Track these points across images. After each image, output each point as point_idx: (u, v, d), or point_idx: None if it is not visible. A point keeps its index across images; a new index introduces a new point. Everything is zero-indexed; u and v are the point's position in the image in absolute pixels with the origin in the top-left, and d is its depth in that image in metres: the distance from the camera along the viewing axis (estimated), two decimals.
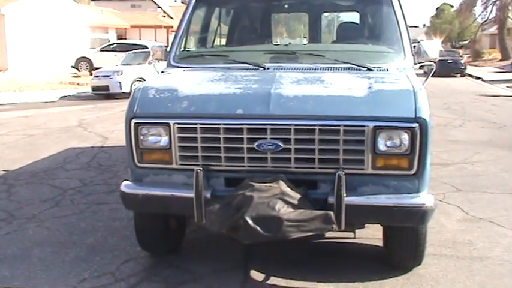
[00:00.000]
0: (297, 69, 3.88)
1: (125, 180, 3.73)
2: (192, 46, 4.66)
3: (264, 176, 3.33)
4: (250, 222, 3.14)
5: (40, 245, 4.40)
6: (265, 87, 3.45)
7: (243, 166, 3.40)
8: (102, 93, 17.65)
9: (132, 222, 4.77)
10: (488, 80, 25.30)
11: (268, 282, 3.73)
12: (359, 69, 3.85)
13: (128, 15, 40.56)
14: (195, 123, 3.37)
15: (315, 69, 3.87)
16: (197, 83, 3.66)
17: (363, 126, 3.20)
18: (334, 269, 3.89)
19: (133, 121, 3.48)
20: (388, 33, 4.21)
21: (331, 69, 3.87)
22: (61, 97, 18.16)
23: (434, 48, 4.26)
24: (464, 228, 4.67)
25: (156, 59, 5.03)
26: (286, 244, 3.42)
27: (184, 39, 4.49)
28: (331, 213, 3.18)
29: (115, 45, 27.80)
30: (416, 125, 3.16)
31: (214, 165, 3.42)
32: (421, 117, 3.16)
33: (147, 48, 23.11)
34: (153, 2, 50.97)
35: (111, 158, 7.78)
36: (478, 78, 27.39)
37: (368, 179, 3.31)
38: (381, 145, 3.23)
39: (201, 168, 3.33)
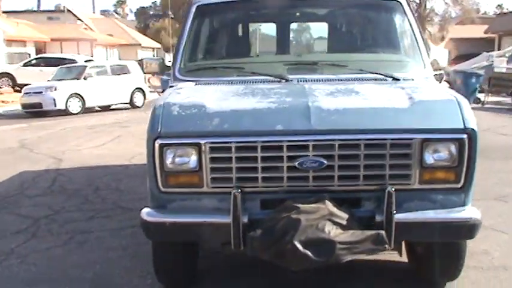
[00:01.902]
0: (322, 80, 3.69)
1: (145, 207, 3.36)
2: (196, 58, 4.34)
3: (306, 196, 3.10)
4: (299, 247, 2.91)
5: (33, 285, 3.92)
6: (301, 101, 3.22)
7: (282, 186, 3.15)
8: (34, 111, 16.63)
9: (128, 251, 4.51)
10: None
11: None
12: (384, 79, 3.72)
13: (46, 28, 38.72)
14: (230, 142, 3.09)
15: (341, 80, 3.69)
16: (222, 97, 3.37)
17: (411, 139, 3.05)
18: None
19: (158, 142, 3.13)
20: (405, 42, 4.12)
21: (357, 80, 3.70)
22: None
23: (443, 57, 4.21)
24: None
25: (149, 72, 4.69)
26: None
27: (188, 51, 4.18)
28: (383, 232, 3.00)
29: (39, 59, 26.45)
30: (465, 136, 3.05)
31: (250, 187, 3.14)
32: (469, 128, 3.05)
33: (76, 62, 22.35)
34: (72, 14, 49.14)
35: (73, 181, 7.22)
36: None
37: (414, 195, 3.16)
38: (429, 158, 3.09)
39: (239, 191, 3.05)
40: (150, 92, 20.52)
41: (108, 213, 5.62)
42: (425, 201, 3.17)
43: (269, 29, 5.01)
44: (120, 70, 18.78)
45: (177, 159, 3.16)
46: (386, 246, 3.01)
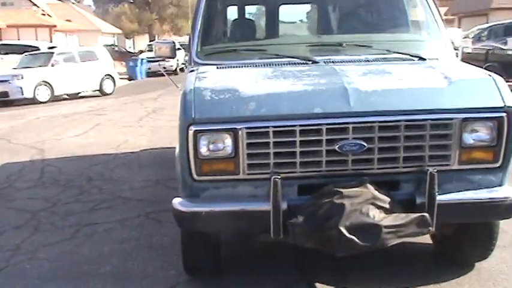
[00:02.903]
0: (350, 61, 3.59)
1: (175, 197, 3.22)
2: (213, 42, 4.17)
3: (347, 180, 3.02)
4: (345, 232, 2.86)
5: (50, 281, 3.74)
6: (337, 82, 3.12)
7: (320, 171, 3.06)
8: (0, 100, 16.01)
9: (142, 242, 4.37)
10: None
11: None
12: (411, 59, 3.66)
13: (1, 14, 37.25)
14: (268, 127, 2.97)
15: (368, 61, 3.61)
16: (253, 81, 3.23)
17: (452, 119, 3.00)
18: (395, 274, 3.67)
19: (192, 128, 2.99)
20: (426, 22, 4.06)
21: (384, 60, 3.62)
22: None
23: (457, 36, 4.19)
24: None
25: (159, 56, 4.50)
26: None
27: (203, 34, 4.02)
28: (427, 215, 2.97)
29: None
30: (504, 114, 3.02)
31: (287, 172, 3.04)
32: (509, 106, 3.02)
33: (39, 49, 21.61)
34: None
35: (63, 171, 6.96)
36: None
37: (453, 175, 3.12)
38: (468, 138, 3.05)
39: (279, 177, 2.95)
40: (120, 78, 20.15)
41: (109, 204, 5.44)
42: (464, 181, 3.15)
43: (287, 10, 4.85)
44: (89, 56, 18.24)
45: (211, 146, 3.04)
46: (431, 228, 2.98)
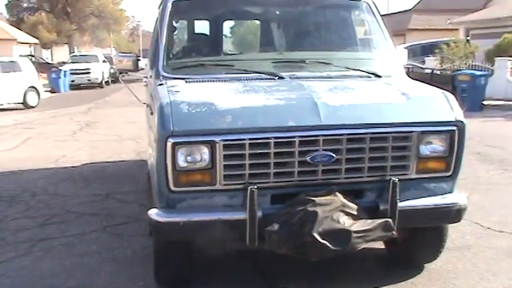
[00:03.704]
0: (314, 77, 3.82)
1: (151, 208, 3.30)
2: (179, 56, 4.28)
3: (318, 189, 3.24)
4: (318, 238, 3.07)
5: None
6: (307, 97, 3.35)
7: (292, 181, 3.27)
8: None
9: (104, 256, 4.40)
10: None
11: None
12: (368, 76, 3.94)
13: None
14: (244, 139, 3.14)
15: (330, 77, 3.86)
16: (226, 94, 3.39)
17: (411, 132, 3.30)
18: (347, 278, 3.93)
19: (170, 140, 3.09)
20: (378, 41, 4.37)
21: (344, 77, 3.88)
22: None
23: (404, 55, 4.57)
24: None
25: (121, 69, 4.53)
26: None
27: (169, 48, 4.12)
28: (390, 220, 3.24)
29: None
30: (455, 128, 3.36)
31: (262, 182, 3.21)
32: (460, 121, 3.37)
33: None
34: None
35: (2, 187, 6.72)
36: None
37: (411, 184, 3.42)
38: (424, 149, 3.36)
39: (256, 187, 3.12)
40: (45, 91, 19.47)
41: (61, 219, 5.36)
42: (420, 189, 3.46)
43: (250, 26, 5.04)
44: (10, 67, 17.50)
45: (189, 158, 3.16)
46: (394, 233, 3.25)
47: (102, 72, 28.41)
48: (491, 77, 15.71)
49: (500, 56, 17.52)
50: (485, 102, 14.82)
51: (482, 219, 5.05)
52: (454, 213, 3.51)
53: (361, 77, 3.95)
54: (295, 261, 3.59)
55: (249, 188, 3.12)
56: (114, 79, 32.60)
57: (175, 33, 4.32)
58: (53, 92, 23.57)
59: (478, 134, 9.46)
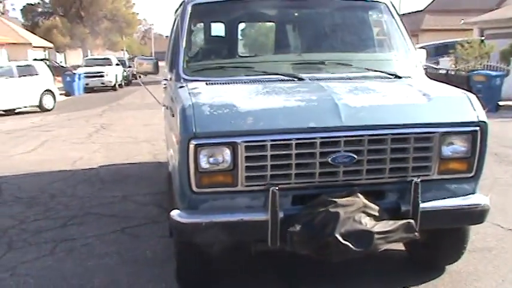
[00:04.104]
0: (333, 79, 3.83)
1: (172, 209, 3.33)
2: (199, 58, 4.31)
3: (339, 191, 3.25)
4: (340, 239, 3.06)
5: None
6: (327, 98, 3.35)
7: (313, 182, 3.27)
8: None
9: (125, 257, 4.43)
10: None
11: None
12: (388, 77, 3.94)
13: None
14: (265, 140, 3.15)
15: (349, 78, 3.86)
16: (247, 96, 3.41)
17: (433, 132, 3.29)
18: (367, 279, 3.93)
19: (193, 142, 3.12)
20: (398, 42, 4.36)
21: (364, 78, 3.89)
22: None
23: (423, 56, 4.56)
24: None
25: (140, 72, 4.57)
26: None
27: (189, 51, 4.15)
28: (412, 221, 3.23)
29: None
30: (478, 128, 3.34)
31: (283, 183, 3.22)
32: (482, 121, 3.35)
33: None
34: None
35: (22, 189, 6.84)
36: None
37: (432, 185, 3.40)
38: (446, 150, 3.35)
39: (277, 188, 3.13)
40: (60, 94, 19.63)
41: (80, 220, 5.42)
42: (442, 190, 3.44)
43: (267, 28, 5.06)
44: (27, 71, 17.69)
45: (211, 159, 3.17)
46: (417, 234, 3.24)
47: (116, 75, 28.59)
48: (506, 77, 15.58)
49: None
50: (501, 103, 14.70)
51: (503, 221, 5.02)
52: (477, 215, 3.49)
53: (381, 78, 3.95)
54: (315, 263, 3.62)
55: (270, 189, 3.13)
56: (128, 82, 32.94)
57: (192, 36, 4.34)
58: (67, 95, 23.78)
59: (494, 135, 9.31)
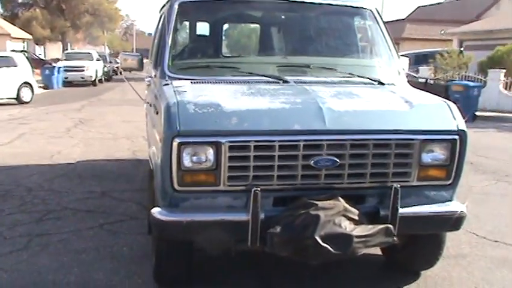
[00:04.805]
0: (318, 82, 3.86)
1: (153, 207, 3.32)
2: (184, 57, 4.30)
3: (320, 193, 3.27)
4: (320, 241, 3.09)
5: None
6: (312, 102, 3.38)
7: (295, 184, 3.29)
8: None
9: (103, 253, 4.40)
10: None
11: None
12: (371, 83, 3.99)
13: None
14: (249, 141, 3.16)
15: (333, 83, 3.90)
16: (232, 97, 3.42)
17: (414, 139, 3.34)
18: (344, 283, 3.97)
19: (176, 140, 3.11)
20: (381, 49, 4.42)
21: (348, 83, 3.93)
22: None
23: (406, 64, 4.62)
24: None
25: (125, 68, 4.54)
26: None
27: (174, 49, 4.14)
28: (391, 226, 3.27)
29: None
30: (457, 137, 3.40)
31: (265, 185, 3.24)
32: (462, 130, 3.42)
33: None
34: None
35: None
36: None
37: (412, 191, 3.46)
38: (426, 157, 3.40)
39: (259, 189, 3.15)
40: (39, 87, 19.36)
41: (57, 215, 5.35)
42: (421, 196, 3.50)
43: (252, 29, 5.07)
44: (5, 62, 17.41)
45: (194, 158, 3.17)
46: (395, 238, 3.29)
47: (96, 70, 28.33)
48: (484, 88, 15.87)
49: (493, 68, 17.71)
50: (477, 113, 14.97)
51: (477, 229, 5.12)
52: (454, 221, 3.55)
53: (365, 83, 4.00)
54: (294, 265, 3.64)
55: (252, 189, 3.15)
56: (108, 77, 32.65)
57: (178, 34, 4.34)
58: (45, 89, 23.47)
59: (470, 144, 9.50)
